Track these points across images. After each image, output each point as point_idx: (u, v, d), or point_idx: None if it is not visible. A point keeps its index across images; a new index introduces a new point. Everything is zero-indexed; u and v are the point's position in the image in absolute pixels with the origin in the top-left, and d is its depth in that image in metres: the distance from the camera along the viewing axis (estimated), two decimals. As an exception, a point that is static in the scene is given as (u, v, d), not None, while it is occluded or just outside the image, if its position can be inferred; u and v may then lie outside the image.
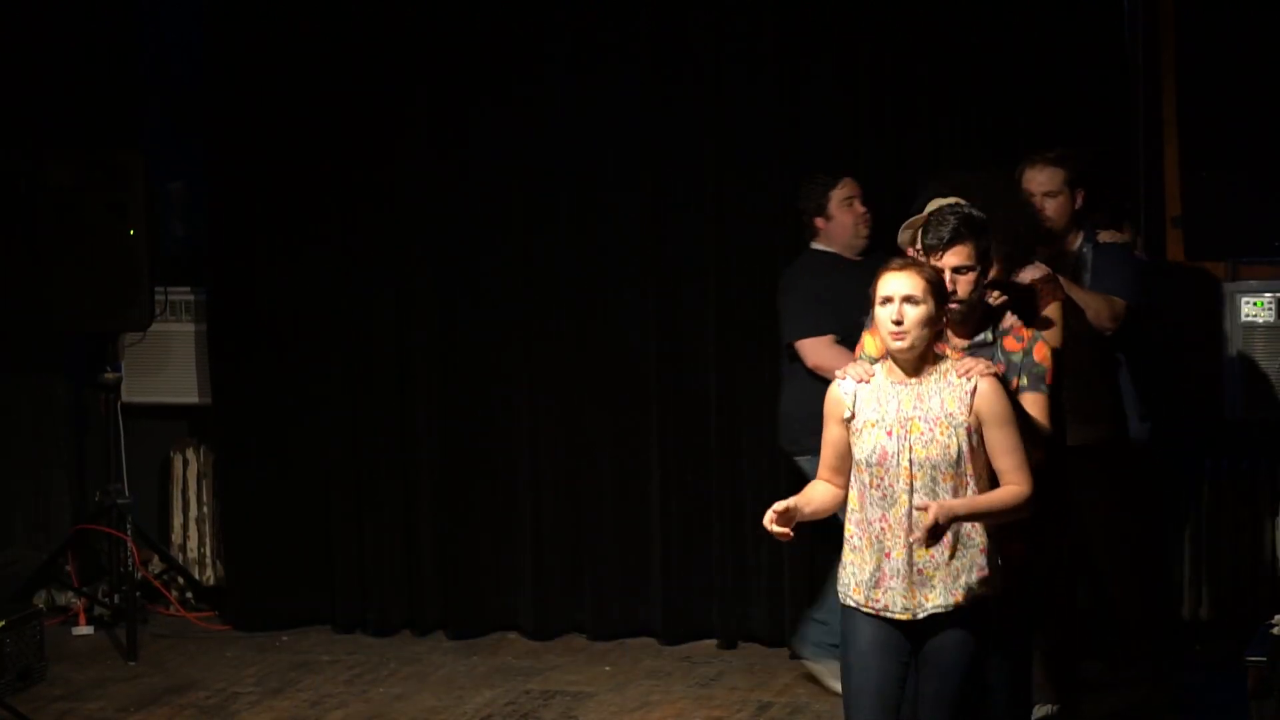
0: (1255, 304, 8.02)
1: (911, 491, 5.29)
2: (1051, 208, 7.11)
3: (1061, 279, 6.36)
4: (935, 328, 5.36)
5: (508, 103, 8.72)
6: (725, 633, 8.54)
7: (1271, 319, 8.03)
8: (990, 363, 5.45)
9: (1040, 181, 7.14)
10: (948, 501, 5.25)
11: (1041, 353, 5.63)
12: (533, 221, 8.76)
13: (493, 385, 8.89)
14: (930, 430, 5.31)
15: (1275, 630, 6.16)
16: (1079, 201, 7.19)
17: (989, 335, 5.65)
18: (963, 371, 5.36)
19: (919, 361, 5.37)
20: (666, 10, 8.55)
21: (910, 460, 5.30)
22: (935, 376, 5.37)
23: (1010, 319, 5.71)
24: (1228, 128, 7.97)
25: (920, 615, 5.31)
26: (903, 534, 5.29)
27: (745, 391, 8.41)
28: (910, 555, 5.30)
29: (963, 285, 5.54)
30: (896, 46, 8.24)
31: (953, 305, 5.49)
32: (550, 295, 8.72)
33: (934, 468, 5.29)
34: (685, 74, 8.53)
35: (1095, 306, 7.02)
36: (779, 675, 8.11)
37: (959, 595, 5.31)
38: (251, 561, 9.14)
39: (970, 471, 5.32)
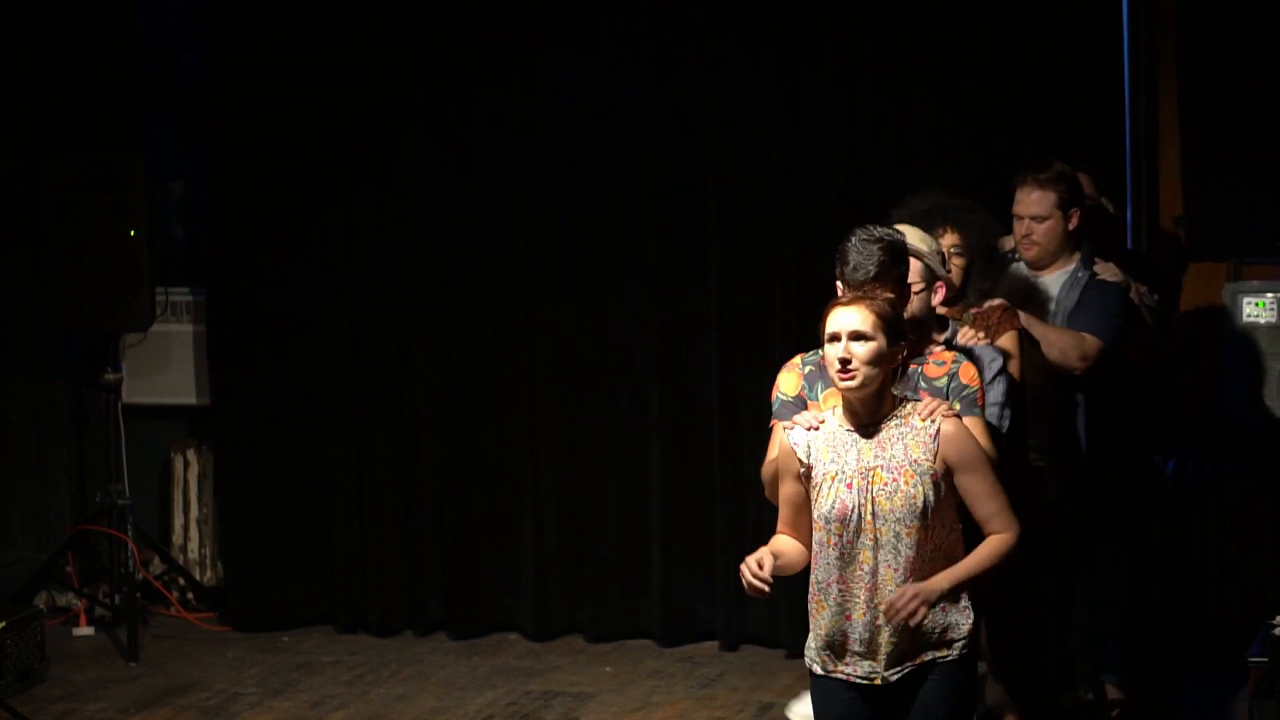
0: (1257, 304, 8.00)
1: (876, 548, 4.87)
2: (1040, 233, 6.84)
3: (1023, 315, 6.23)
4: (889, 365, 4.92)
5: (507, 101, 8.72)
6: (726, 634, 8.54)
7: (1273, 319, 8.02)
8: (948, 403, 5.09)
9: (1028, 205, 6.85)
10: (926, 586, 4.84)
11: (969, 374, 5.31)
12: (532, 222, 8.76)
13: (493, 386, 8.89)
14: (894, 480, 4.87)
15: (1277, 631, 6.15)
16: (1073, 221, 6.86)
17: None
18: (926, 413, 4.93)
19: (875, 404, 4.94)
20: (667, 5, 8.54)
21: (873, 513, 4.87)
22: (897, 421, 4.94)
23: (931, 346, 5.47)
24: (1229, 128, 7.95)
25: (894, 679, 4.93)
26: (863, 593, 4.90)
27: (746, 391, 8.40)
28: (873, 618, 4.89)
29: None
30: (898, 47, 8.24)
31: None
32: (551, 296, 8.72)
33: (898, 521, 4.86)
34: (686, 69, 8.52)
35: (1062, 344, 6.59)
36: (780, 676, 8.11)
37: (933, 651, 4.94)
38: (252, 562, 9.14)
39: (937, 523, 4.90)
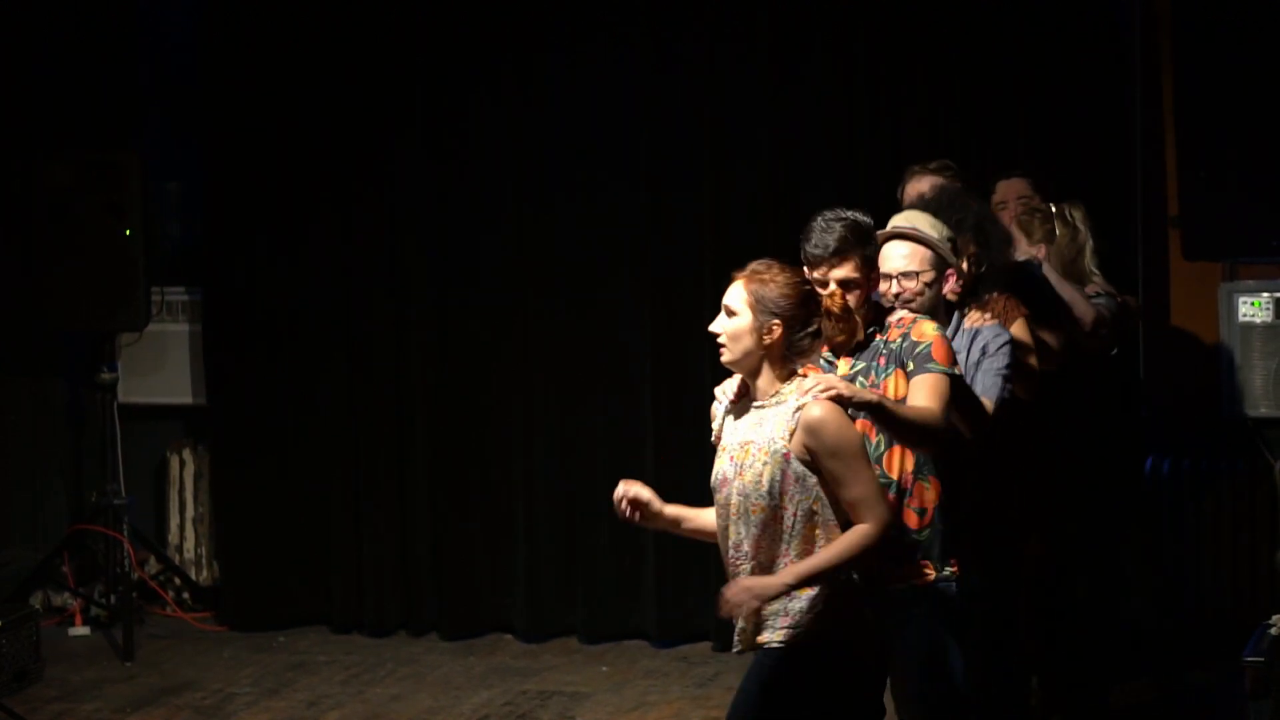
0: (1253, 304, 8.01)
1: (740, 522, 4.85)
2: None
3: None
4: (761, 345, 4.83)
5: (503, 102, 8.73)
6: (721, 634, 8.53)
7: (1269, 319, 8.03)
8: (837, 383, 4.86)
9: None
10: (764, 582, 4.76)
11: (920, 330, 5.16)
12: (529, 222, 8.76)
13: (489, 387, 8.88)
14: (755, 455, 4.83)
15: (1273, 631, 6.15)
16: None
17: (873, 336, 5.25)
18: (802, 392, 4.82)
19: (762, 379, 4.87)
20: (663, 4, 8.55)
21: (736, 488, 4.86)
22: (779, 397, 4.86)
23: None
24: (1225, 128, 7.95)
25: (751, 650, 4.91)
26: (731, 566, 4.88)
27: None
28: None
29: (853, 300, 5.18)
30: (894, 45, 8.24)
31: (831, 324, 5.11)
32: (548, 296, 8.72)
33: (746, 497, 4.82)
34: (681, 69, 8.53)
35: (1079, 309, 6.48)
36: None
37: (780, 634, 4.85)
38: (248, 562, 9.14)
39: (789, 506, 4.80)
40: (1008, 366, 5.54)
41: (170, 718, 7.79)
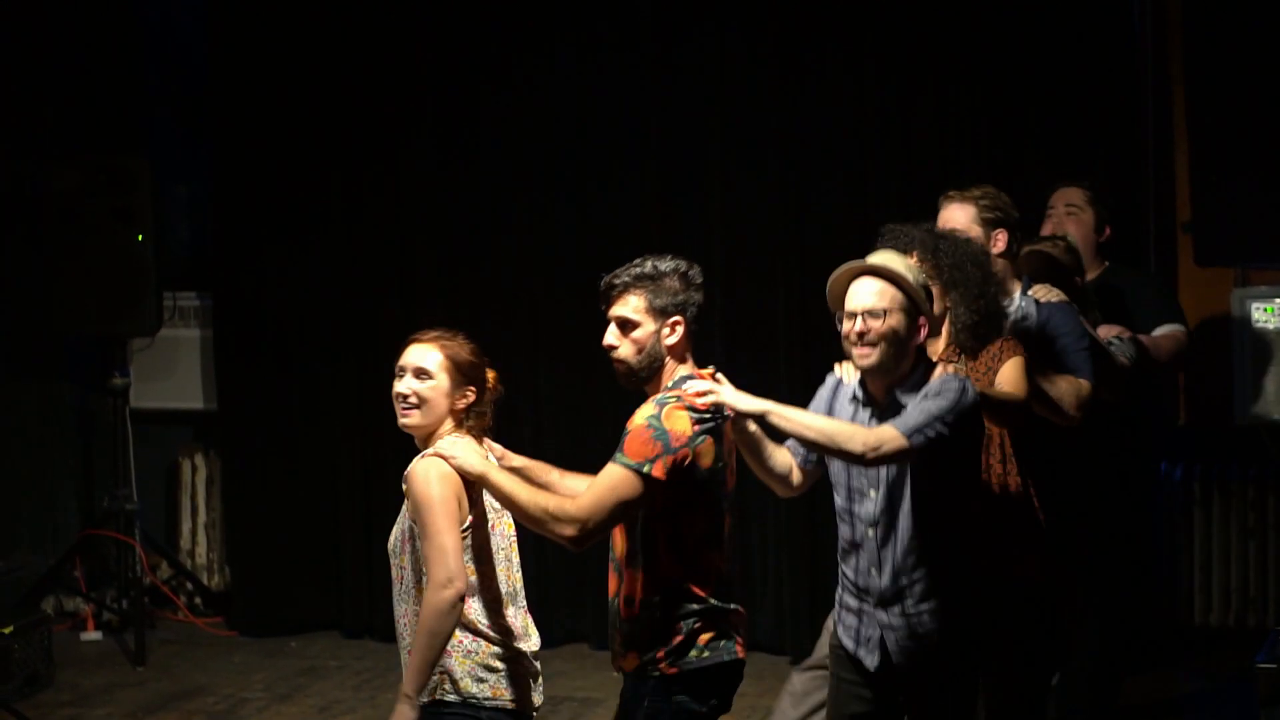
0: (1265, 310, 7.99)
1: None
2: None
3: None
4: (444, 408, 4.92)
5: (512, 105, 8.73)
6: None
7: (1281, 325, 8.02)
8: (450, 441, 4.89)
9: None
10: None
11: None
12: (538, 227, 8.75)
13: (512, 399, 8.86)
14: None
15: (1287, 636, 6.16)
16: (999, 244, 5.93)
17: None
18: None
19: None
20: (672, 6, 8.56)
21: None
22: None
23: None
24: (1237, 133, 7.94)
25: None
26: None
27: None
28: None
29: (626, 345, 5.05)
30: (905, 47, 8.23)
31: (618, 364, 5.07)
32: (556, 300, 8.69)
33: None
34: (690, 70, 8.53)
35: (1056, 393, 5.78)
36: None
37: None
38: (259, 567, 9.14)
39: (407, 564, 4.87)
40: (948, 411, 5.00)
41: (182, 723, 7.82)
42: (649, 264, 5.03)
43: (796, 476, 5.34)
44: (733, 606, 5.07)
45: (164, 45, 9.63)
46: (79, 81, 9.36)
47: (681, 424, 4.95)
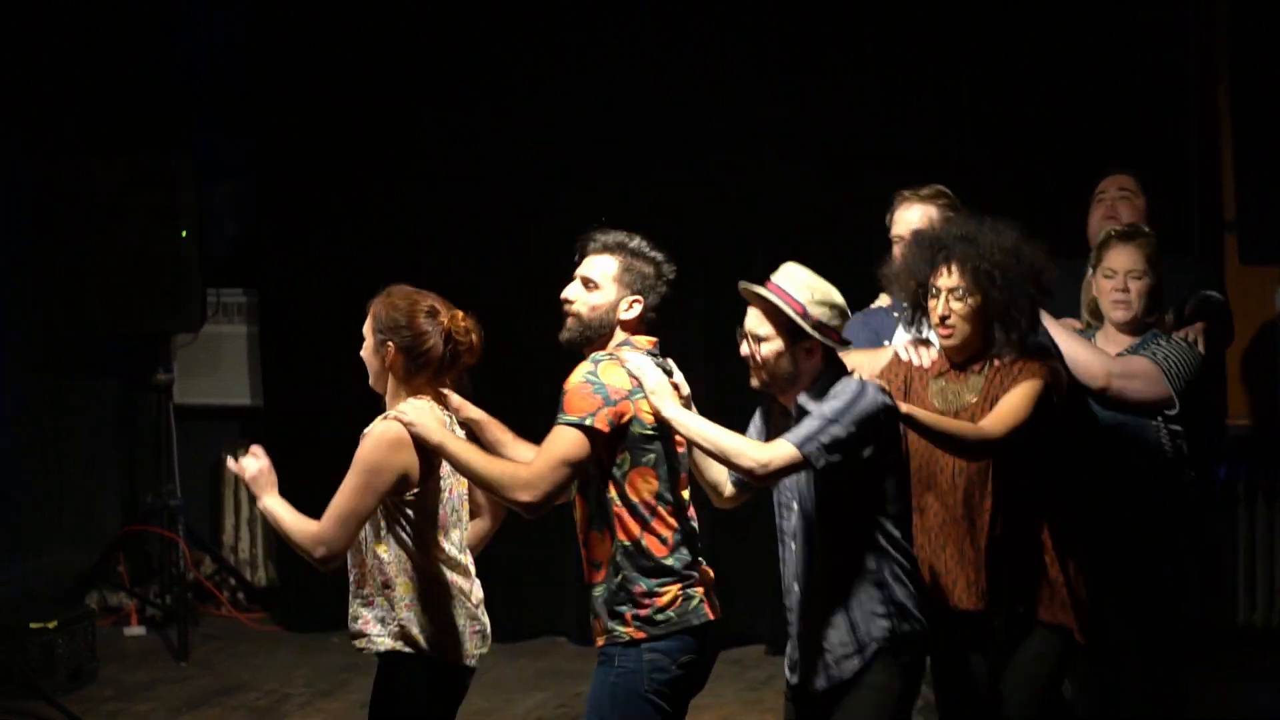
0: (1309, 309, 7.97)
1: None
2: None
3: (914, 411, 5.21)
4: (376, 367, 5.20)
5: (560, 95, 8.73)
6: (774, 638, 8.51)
7: (1325, 323, 7.99)
8: (411, 405, 5.07)
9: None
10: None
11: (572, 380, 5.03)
12: (580, 219, 8.73)
13: (541, 387, 8.85)
14: None
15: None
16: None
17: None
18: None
19: (389, 399, 5.21)
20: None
21: None
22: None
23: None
24: (1280, 133, 7.93)
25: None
26: None
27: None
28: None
29: (584, 303, 5.08)
30: (943, 39, 8.21)
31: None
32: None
33: None
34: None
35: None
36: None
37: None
38: (303, 562, 9.01)
39: None
40: (841, 412, 4.92)
41: (224, 718, 7.85)
42: (635, 240, 5.13)
43: (728, 489, 5.35)
44: (698, 565, 5.12)
45: (206, 42, 9.65)
46: (120, 80, 9.39)
47: (619, 378, 5.00)
